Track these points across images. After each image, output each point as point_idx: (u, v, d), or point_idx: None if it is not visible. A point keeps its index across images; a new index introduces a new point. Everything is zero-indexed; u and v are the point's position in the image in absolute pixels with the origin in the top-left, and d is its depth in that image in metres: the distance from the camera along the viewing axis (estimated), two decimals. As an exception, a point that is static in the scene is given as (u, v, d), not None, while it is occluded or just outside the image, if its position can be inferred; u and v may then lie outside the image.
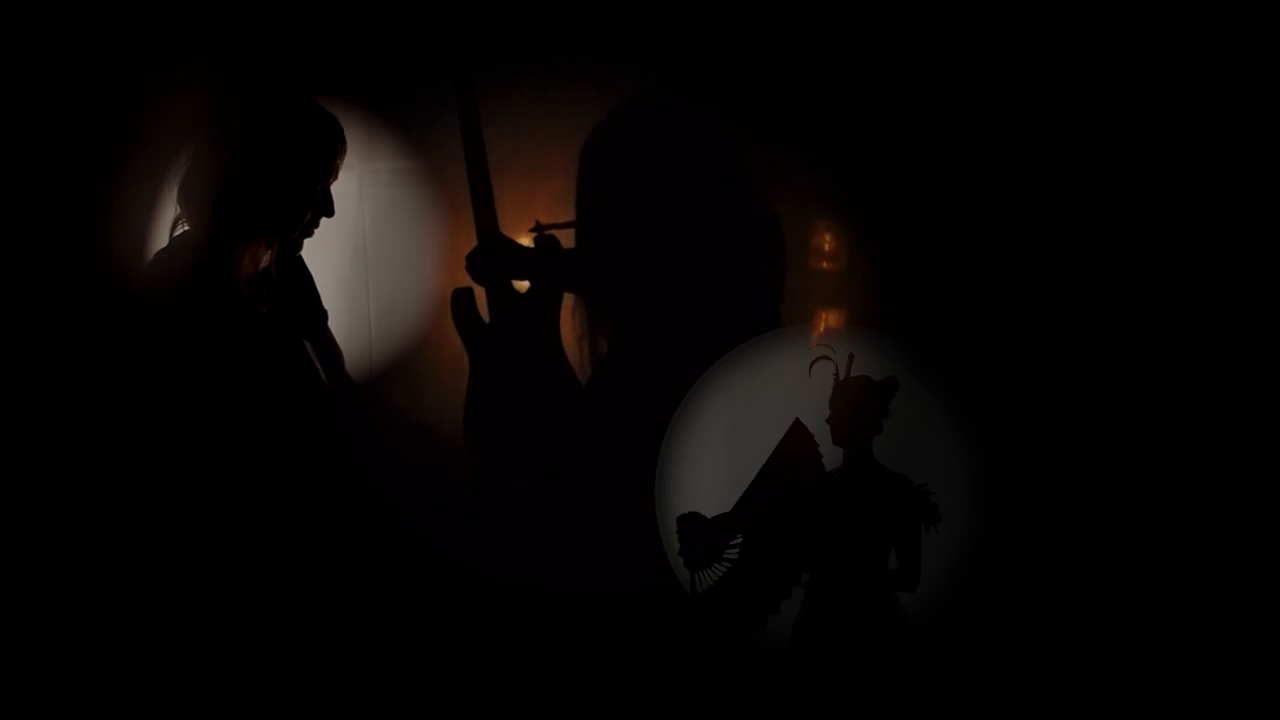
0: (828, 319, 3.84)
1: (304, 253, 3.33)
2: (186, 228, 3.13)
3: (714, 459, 3.58)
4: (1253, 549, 3.64)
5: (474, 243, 3.80)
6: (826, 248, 3.90)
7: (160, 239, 3.14)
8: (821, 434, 3.38)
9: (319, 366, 3.23)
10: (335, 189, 3.27)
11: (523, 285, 3.82)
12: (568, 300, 3.85)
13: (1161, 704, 3.53)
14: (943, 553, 3.34)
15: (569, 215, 3.83)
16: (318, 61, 3.61)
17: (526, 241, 3.84)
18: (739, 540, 3.36)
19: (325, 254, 3.44)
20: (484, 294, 3.82)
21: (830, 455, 3.39)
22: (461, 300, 3.81)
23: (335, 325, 3.44)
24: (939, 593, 3.36)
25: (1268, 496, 3.66)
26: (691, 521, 3.38)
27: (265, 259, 3.19)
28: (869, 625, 3.31)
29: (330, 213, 3.24)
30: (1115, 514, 3.68)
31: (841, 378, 3.37)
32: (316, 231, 3.28)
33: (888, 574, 3.33)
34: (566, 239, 3.84)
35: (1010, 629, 3.59)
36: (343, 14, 3.76)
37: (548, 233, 3.82)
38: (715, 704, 3.39)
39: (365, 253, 3.90)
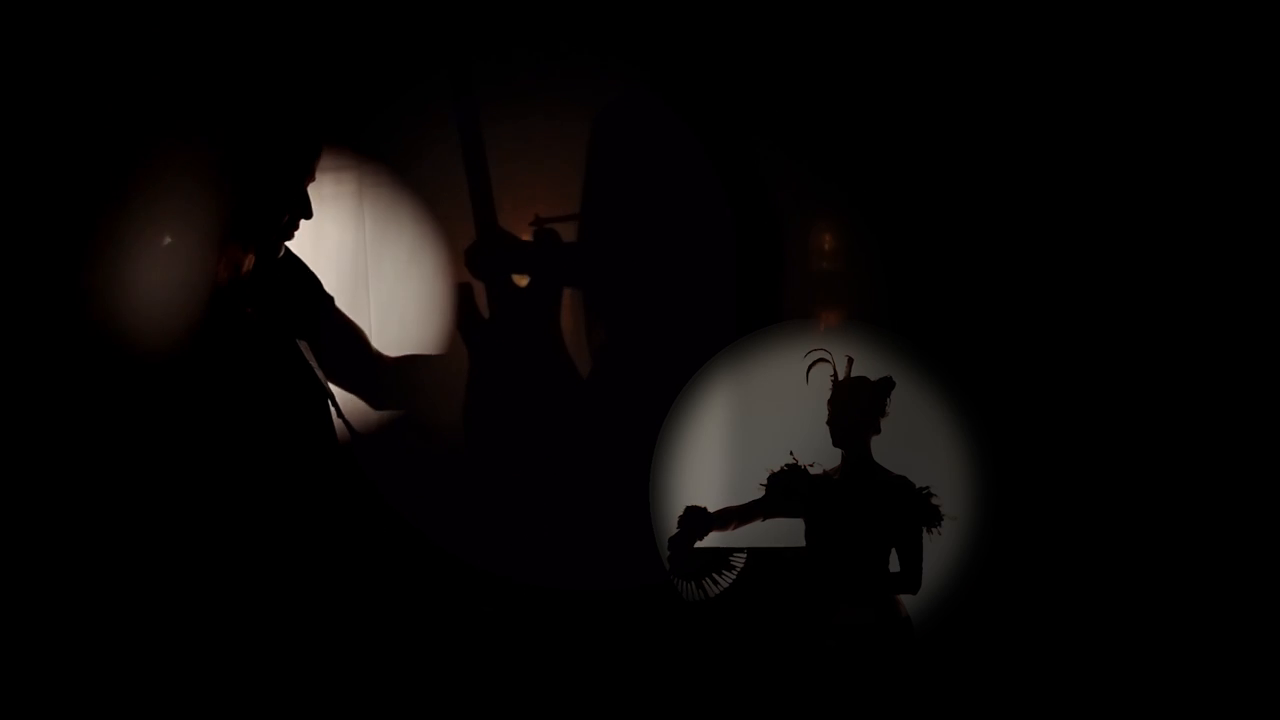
0: (826, 317, 3.83)
1: (302, 251, 3.31)
2: (170, 239, 3.11)
3: (712, 453, 3.59)
4: (1254, 545, 3.64)
5: (473, 238, 3.80)
6: (826, 245, 3.89)
7: (150, 251, 3.13)
8: (821, 436, 3.38)
9: (314, 365, 3.22)
10: (335, 189, 3.27)
11: (522, 280, 3.82)
12: (567, 294, 3.85)
13: (1162, 705, 3.54)
14: (945, 554, 3.35)
15: (569, 209, 3.83)
16: (319, 62, 3.60)
17: (526, 236, 3.83)
18: (732, 570, 3.35)
19: (325, 254, 3.44)
20: (483, 289, 3.82)
21: (830, 457, 3.40)
22: (461, 295, 3.81)
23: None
24: (941, 595, 3.37)
25: (1268, 489, 3.66)
26: (691, 520, 3.38)
27: (246, 262, 3.17)
28: (870, 628, 3.32)
29: (309, 214, 3.19)
30: (1118, 514, 3.68)
31: (839, 379, 3.37)
32: (317, 231, 3.27)
33: (889, 576, 3.34)
34: (567, 232, 3.84)
35: (1013, 630, 3.59)
36: (343, 15, 3.75)
37: (548, 226, 3.82)
38: (715, 706, 3.39)
39: (365, 251, 3.88)
